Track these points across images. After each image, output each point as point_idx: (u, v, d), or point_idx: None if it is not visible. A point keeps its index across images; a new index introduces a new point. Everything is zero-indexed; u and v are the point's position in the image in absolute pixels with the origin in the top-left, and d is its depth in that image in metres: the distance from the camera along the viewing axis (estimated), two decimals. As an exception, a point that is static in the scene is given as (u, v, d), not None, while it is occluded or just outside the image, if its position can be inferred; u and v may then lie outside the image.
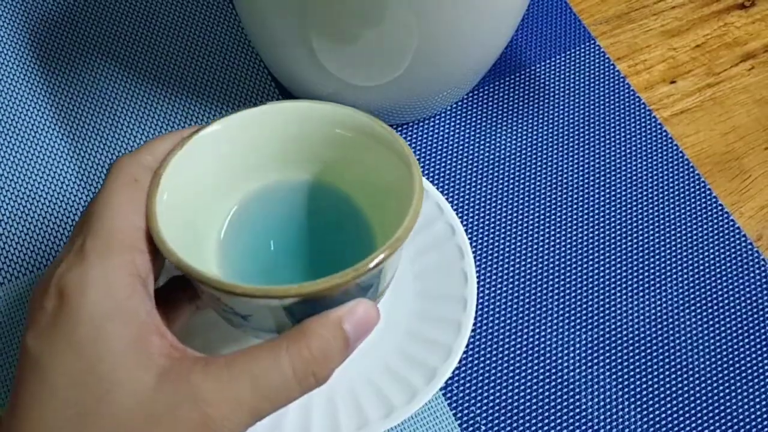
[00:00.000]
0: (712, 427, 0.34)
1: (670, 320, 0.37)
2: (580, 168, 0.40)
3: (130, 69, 0.42)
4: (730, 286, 0.38)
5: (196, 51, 0.43)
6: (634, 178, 0.40)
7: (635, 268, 0.38)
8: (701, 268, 0.38)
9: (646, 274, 0.38)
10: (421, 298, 0.35)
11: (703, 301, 0.37)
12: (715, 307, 0.37)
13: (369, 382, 0.33)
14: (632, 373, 0.36)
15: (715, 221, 0.39)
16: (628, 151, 0.41)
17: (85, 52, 0.42)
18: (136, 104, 0.41)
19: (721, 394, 0.35)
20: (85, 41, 0.43)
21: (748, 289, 0.38)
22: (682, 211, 0.40)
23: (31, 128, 0.40)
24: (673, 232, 0.39)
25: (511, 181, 0.40)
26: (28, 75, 0.41)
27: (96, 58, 0.42)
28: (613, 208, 0.39)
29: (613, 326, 0.37)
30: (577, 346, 0.36)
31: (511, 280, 0.37)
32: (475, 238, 0.38)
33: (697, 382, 0.35)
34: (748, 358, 0.36)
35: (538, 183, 0.40)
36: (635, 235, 0.39)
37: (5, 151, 0.39)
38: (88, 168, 0.39)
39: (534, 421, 0.34)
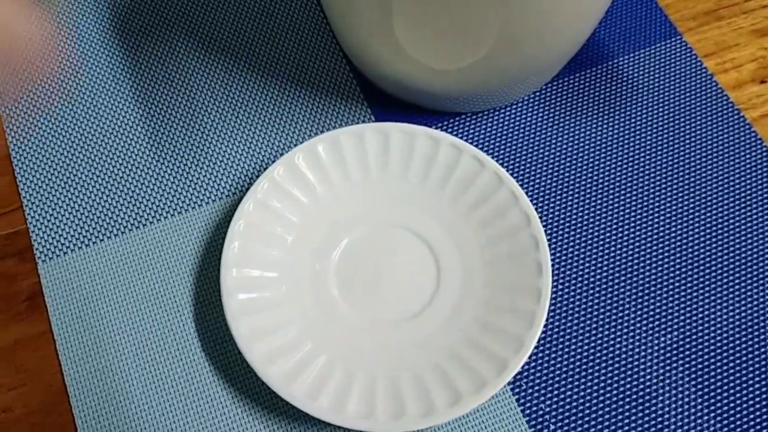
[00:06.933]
0: (801, 444, 0.32)
1: (756, 326, 0.35)
2: (662, 165, 0.39)
3: (204, 42, 0.42)
4: (823, 296, 0.35)
5: (270, 27, 0.42)
6: (720, 178, 0.38)
7: (719, 271, 0.36)
8: (791, 275, 0.36)
9: (731, 277, 0.36)
10: (492, 287, 0.34)
11: (793, 310, 0.35)
12: (806, 317, 0.35)
13: (436, 368, 0.31)
14: (714, 380, 0.33)
15: (807, 227, 0.37)
16: (714, 150, 0.39)
17: (162, 26, 0.43)
18: (209, 78, 0.41)
19: (812, 410, 0.33)
20: (163, 15, 0.43)
21: (842, 301, 0.35)
22: (772, 215, 0.37)
23: (107, 100, 0.40)
24: (759, 237, 0.37)
25: (590, 174, 0.38)
26: (109, 48, 0.42)
27: (174, 32, 0.42)
28: (696, 208, 0.37)
29: (694, 330, 0.34)
30: (655, 348, 0.34)
31: (587, 275, 0.36)
32: (550, 229, 0.37)
33: (785, 395, 0.33)
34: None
35: (617, 178, 0.38)
36: (719, 236, 0.37)
37: (81, 121, 0.40)
38: (160, 140, 0.39)
39: (607, 423, 0.32)
